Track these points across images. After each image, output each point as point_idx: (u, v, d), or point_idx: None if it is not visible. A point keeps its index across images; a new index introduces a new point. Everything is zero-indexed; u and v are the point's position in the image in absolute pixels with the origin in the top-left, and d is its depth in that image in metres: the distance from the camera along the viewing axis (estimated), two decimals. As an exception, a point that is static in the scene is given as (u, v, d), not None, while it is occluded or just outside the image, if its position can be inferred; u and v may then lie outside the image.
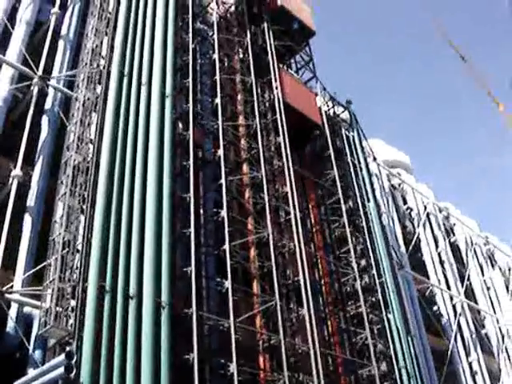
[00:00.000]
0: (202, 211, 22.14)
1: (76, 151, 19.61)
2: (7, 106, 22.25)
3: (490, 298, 43.38)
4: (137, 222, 18.51)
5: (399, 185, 40.54)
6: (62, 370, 14.91)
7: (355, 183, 30.63)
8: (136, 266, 17.66)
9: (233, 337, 19.38)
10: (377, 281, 27.58)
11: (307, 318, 22.45)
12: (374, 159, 36.69)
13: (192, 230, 20.28)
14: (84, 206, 18.15)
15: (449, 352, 33.10)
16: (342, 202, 28.61)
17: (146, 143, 20.36)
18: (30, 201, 20.60)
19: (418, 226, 38.99)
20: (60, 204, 18.84)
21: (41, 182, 21.05)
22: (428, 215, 40.82)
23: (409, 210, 40.26)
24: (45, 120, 22.93)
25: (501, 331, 41.06)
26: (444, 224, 43.28)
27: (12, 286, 17.67)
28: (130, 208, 18.65)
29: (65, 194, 18.63)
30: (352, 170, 31.10)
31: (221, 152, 23.70)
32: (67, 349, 15.32)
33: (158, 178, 19.84)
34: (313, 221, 28.62)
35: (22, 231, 19.88)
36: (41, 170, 21.37)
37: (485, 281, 44.02)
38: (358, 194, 30.12)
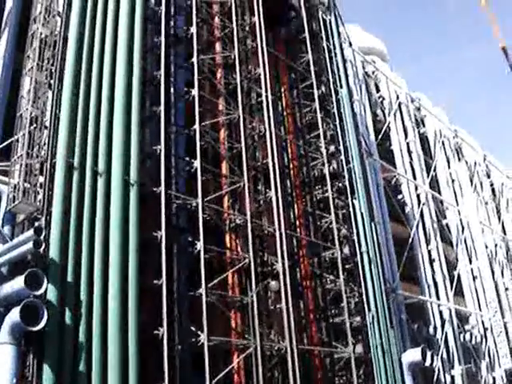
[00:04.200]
0: (172, 90, 21.70)
1: (43, 24, 18.92)
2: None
3: (454, 190, 44.17)
4: (106, 98, 18.22)
5: (373, 72, 40.05)
6: (30, 244, 15.02)
7: (329, 68, 30.19)
8: (105, 143, 17.58)
9: (200, 216, 19.67)
10: (344, 167, 27.86)
11: (274, 199, 22.78)
12: (350, 45, 35.99)
13: (162, 107, 20.06)
14: (52, 81, 17.81)
15: (410, 239, 34.00)
16: (314, 86, 28.33)
17: (116, 17, 19.74)
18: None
19: (389, 115, 38.95)
20: (27, 79, 18.41)
21: (7, 55, 20.12)
22: (400, 105, 40.67)
23: (381, 99, 40.02)
24: (10, -11, 21.49)
25: (461, 222, 42.16)
26: (415, 115, 43.22)
27: (-21, 162, 17.33)
28: (99, 84, 18.30)
29: (32, 68, 18.13)
30: (327, 54, 30.57)
31: (193, 29, 23.06)
32: (36, 224, 15.48)
33: (128, 53, 19.37)
34: (284, 104, 28.39)
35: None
36: (7, 42, 20.27)
37: (450, 173, 44.62)
38: (331, 80, 29.77)
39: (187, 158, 20.96)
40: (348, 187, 27.48)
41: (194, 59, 22.40)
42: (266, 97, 24.75)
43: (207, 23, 25.38)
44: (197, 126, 21.06)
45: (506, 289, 45.79)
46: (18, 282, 14.57)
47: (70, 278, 15.35)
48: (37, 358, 14.39)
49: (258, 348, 19.65)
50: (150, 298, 17.37)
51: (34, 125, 17.09)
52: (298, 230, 25.58)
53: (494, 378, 37.08)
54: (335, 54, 31.44)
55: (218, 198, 21.90)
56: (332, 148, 28.23)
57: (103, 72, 18.53)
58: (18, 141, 17.22)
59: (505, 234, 51.15)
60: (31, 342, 14.60)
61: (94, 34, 18.89)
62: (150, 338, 16.80)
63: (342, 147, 28.32)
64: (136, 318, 16.09)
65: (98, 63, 18.51)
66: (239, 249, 21.78)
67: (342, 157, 28.06)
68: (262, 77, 25.09)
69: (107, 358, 15.23)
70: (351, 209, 27.13)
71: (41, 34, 18.72)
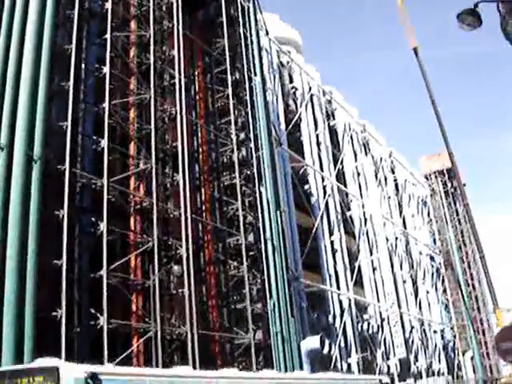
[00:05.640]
0: (83, 65, 21.15)
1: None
2: None
3: (359, 183, 45.26)
4: (12, 67, 17.59)
5: (287, 63, 40.28)
6: None
7: (244, 55, 30.17)
8: (8, 116, 16.96)
9: (105, 196, 19.29)
10: (254, 154, 27.97)
11: (181, 183, 22.66)
12: (267, 33, 36.10)
13: (71, 83, 19.41)
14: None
15: (314, 229, 34.60)
16: (228, 72, 28.29)
17: (27, -13, 18.95)
18: None
19: (301, 106, 39.37)
20: None
21: None
22: (311, 97, 41.18)
23: (294, 90, 40.35)
24: None
25: (364, 215, 43.29)
26: (326, 107, 43.89)
27: None
28: (6, 55, 17.62)
29: None
30: (243, 41, 30.50)
31: (109, 5, 22.47)
32: None
33: (39, 25, 18.69)
34: (197, 88, 28.24)
35: None
36: None
37: (356, 167, 45.66)
38: (245, 67, 29.76)
39: (95, 137, 20.49)
40: (256, 175, 27.66)
41: (108, 35, 21.85)
42: (179, 79, 24.50)
43: (123, 0, 24.81)
44: (106, 105, 20.60)
45: (404, 281, 47.56)
46: None
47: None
48: None
49: (159, 332, 19.57)
50: (49, 279, 16.91)
51: None
52: (204, 215, 25.59)
53: (388, 366, 38.41)
54: (251, 41, 31.43)
55: (125, 179, 21.56)
56: (242, 135, 28.32)
57: (11, 43, 17.80)
58: None
59: (405, 228, 52.96)
60: None
61: (3, 3, 18.11)
62: (47, 320, 16.37)
63: (252, 135, 28.42)
64: (33, 298, 15.64)
65: (5, 33, 17.79)
66: (144, 231, 21.52)
67: (252, 144, 28.17)
68: (176, 59, 24.83)
69: (2, 338, 14.75)
70: (258, 196, 27.32)
71: None
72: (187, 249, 21.71)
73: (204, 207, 25.80)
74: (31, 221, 16.36)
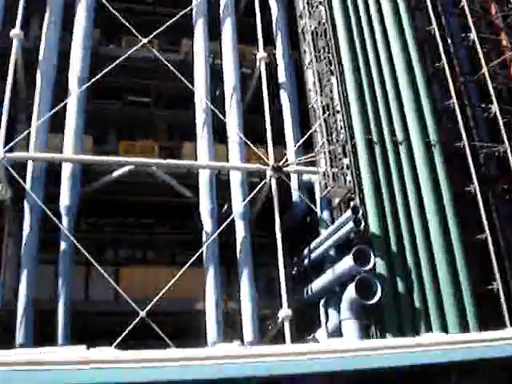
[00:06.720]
0: (449, 40, 20.96)
1: (309, 17, 19.54)
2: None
3: None
4: (386, 64, 18.39)
5: None
6: (351, 224, 15.71)
7: None
8: (397, 112, 17.76)
9: (511, 160, 18.64)
10: None
11: None
12: None
13: (444, 60, 19.60)
14: (332, 68, 18.29)
15: None
16: None
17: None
18: (281, 77, 20.68)
19: None
20: (309, 72, 19.26)
21: (285, 56, 20.99)
22: None
23: None
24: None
25: None
26: None
27: (287, 160, 17.97)
28: (376, 56, 18.49)
29: (311, 61, 18.87)
30: None
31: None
32: (351, 204, 16.01)
33: (396, 16, 19.33)
34: None
35: (281, 107, 20.39)
36: (282, 45, 21.24)
37: None
38: None
39: (483, 105, 20.07)
40: None
41: (464, 2, 21.30)
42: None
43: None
44: (484, 69, 20.04)
45: None
46: (348, 261, 15.37)
47: (393, 248, 15.72)
48: (379, 328, 14.99)
49: None
50: (476, 254, 16.97)
51: (327, 112, 17.71)
52: None
53: None
54: None
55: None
56: None
57: (377, 43, 18.74)
58: (316, 131, 18.07)
59: None
60: (371, 315, 15.29)
61: (359, 10, 19.20)
62: (484, 294, 16.45)
63: None
64: (466, 274, 15.93)
65: (369, 36, 18.79)
66: None
67: None
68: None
69: (445, 317, 15.34)
70: None
71: (310, 26, 19.37)
72: None
73: None
74: (445, 201, 16.80)
